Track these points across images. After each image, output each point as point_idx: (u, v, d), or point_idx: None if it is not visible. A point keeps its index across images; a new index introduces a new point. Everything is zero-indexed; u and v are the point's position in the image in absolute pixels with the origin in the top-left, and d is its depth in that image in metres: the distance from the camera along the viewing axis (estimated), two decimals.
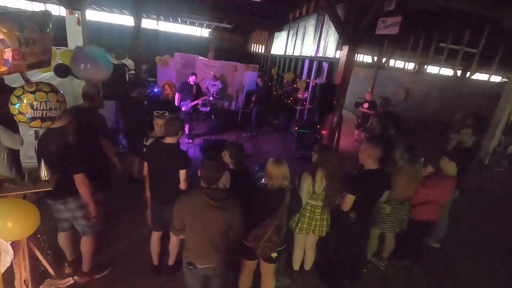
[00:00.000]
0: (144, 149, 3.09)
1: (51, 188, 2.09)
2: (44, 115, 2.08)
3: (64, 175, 2.29)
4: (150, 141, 3.12)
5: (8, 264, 1.92)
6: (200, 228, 1.93)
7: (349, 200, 2.60)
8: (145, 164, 2.65)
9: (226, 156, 2.64)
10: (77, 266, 2.73)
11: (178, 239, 2.55)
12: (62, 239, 2.69)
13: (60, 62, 4.13)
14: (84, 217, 2.52)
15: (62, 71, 4.07)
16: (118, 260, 3.02)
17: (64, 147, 2.29)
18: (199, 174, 1.95)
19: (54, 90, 2.11)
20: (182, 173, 2.50)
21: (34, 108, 2.03)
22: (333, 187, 2.57)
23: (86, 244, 2.62)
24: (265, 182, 2.25)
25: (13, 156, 2.79)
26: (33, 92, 2.00)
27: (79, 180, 2.35)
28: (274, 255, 2.29)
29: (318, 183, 2.57)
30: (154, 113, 3.16)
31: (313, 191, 2.60)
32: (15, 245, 1.96)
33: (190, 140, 6.58)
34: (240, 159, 2.71)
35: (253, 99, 7.97)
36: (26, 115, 2.01)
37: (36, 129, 2.30)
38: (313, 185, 2.58)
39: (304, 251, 2.99)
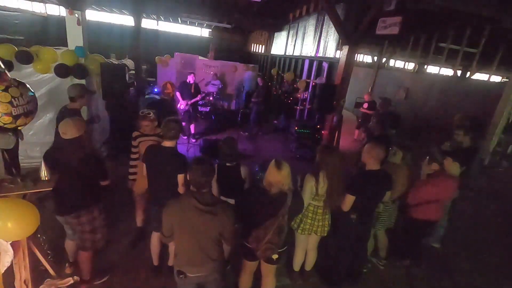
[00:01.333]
0: (132, 148, 3.04)
1: (51, 188, 2.08)
2: (25, 110, 2.05)
3: (78, 188, 2.27)
4: (138, 140, 2.99)
5: (8, 264, 1.92)
6: (190, 234, 1.87)
7: (348, 200, 2.60)
8: (143, 165, 2.64)
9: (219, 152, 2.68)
10: (78, 267, 2.70)
11: None
12: (69, 245, 2.68)
13: (61, 62, 4.14)
14: (91, 231, 2.46)
15: (63, 71, 4.08)
16: (118, 260, 3.02)
17: (86, 157, 2.22)
18: (187, 179, 1.90)
19: (20, 82, 2.08)
20: (180, 178, 2.46)
21: (15, 105, 1.99)
22: (334, 187, 2.56)
23: (84, 258, 2.57)
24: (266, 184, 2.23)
25: (11, 156, 2.76)
26: (5, 90, 1.96)
27: (106, 183, 2.42)
28: (275, 256, 2.28)
29: (321, 184, 2.56)
30: (140, 113, 3.01)
31: (316, 193, 2.59)
32: (15, 245, 1.96)
33: (194, 140, 6.61)
34: (231, 155, 2.68)
35: (253, 99, 7.94)
36: (11, 114, 1.97)
37: (20, 127, 2.24)
38: (316, 186, 2.56)
39: (306, 252, 2.99)
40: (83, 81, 4.29)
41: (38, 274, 2.36)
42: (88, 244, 2.49)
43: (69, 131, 2.11)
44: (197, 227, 1.84)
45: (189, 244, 1.90)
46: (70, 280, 2.48)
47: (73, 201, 2.30)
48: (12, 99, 1.95)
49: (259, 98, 7.80)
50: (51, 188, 2.14)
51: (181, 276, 1.96)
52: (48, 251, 2.53)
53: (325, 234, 2.80)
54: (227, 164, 2.66)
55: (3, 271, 1.87)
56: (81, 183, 2.28)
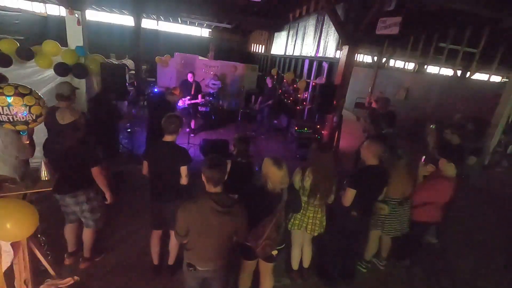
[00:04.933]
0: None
1: (51, 188, 2.10)
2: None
3: (75, 169, 2.45)
4: None
5: (8, 264, 1.92)
6: (207, 234, 1.91)
7: (349, 194, 2.62)
8: (145, 163, 2.65)
9: (234, 149, 2.86)
10: (76, 258, 2.88)
11: None
12: (68, 230, 2.81)
13: (61, 61, 4.14)
14: (90, 211, 2.66)
15: (63, 70, 4.08)
16: (118, 259, 3.02)
17: (79, 141, 2.44)
18: (203, 178, 1.92)
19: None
20: (184, 169, 2.54)
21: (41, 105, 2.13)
22: (325, 186, 2.59)
23: (88, 235, 2.78)
24: (263, 182, 2.24)
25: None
26: (30, 93, 2.10)
27: (97, 172, 2.51)
28: (274, 252, 2.30)
29: (306, 178, 2.61)
30: None
31: (302, 185, 2.63)
32: (15, 245, 1.96)
33: (192, 135, 6.70)
34: (244, 152, 2.86)
35: (267, 102, 7.78)
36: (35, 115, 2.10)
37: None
38: (302, 179, 2.62)
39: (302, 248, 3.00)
40: (82, 81, 4.30)
41: (38, 274, 2.36)
42: (91, 222, 2.70)
43: (66, 116, 2.36)
44: (214, 227, 1.88)
45: (204, 242, 1.95)
46: (70, 280, 2.48)
47: (70, 181, 2.49)
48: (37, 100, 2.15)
49: (271, 99, 7.67)
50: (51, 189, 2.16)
51: (191, 268, 2.01)
52: (48, 252, 2.53)
53: (315, 234, 2.81)
54: (242, 161, 2.82)
55: (3, 271, 1.87)
56: (76, 165, 2.46)
